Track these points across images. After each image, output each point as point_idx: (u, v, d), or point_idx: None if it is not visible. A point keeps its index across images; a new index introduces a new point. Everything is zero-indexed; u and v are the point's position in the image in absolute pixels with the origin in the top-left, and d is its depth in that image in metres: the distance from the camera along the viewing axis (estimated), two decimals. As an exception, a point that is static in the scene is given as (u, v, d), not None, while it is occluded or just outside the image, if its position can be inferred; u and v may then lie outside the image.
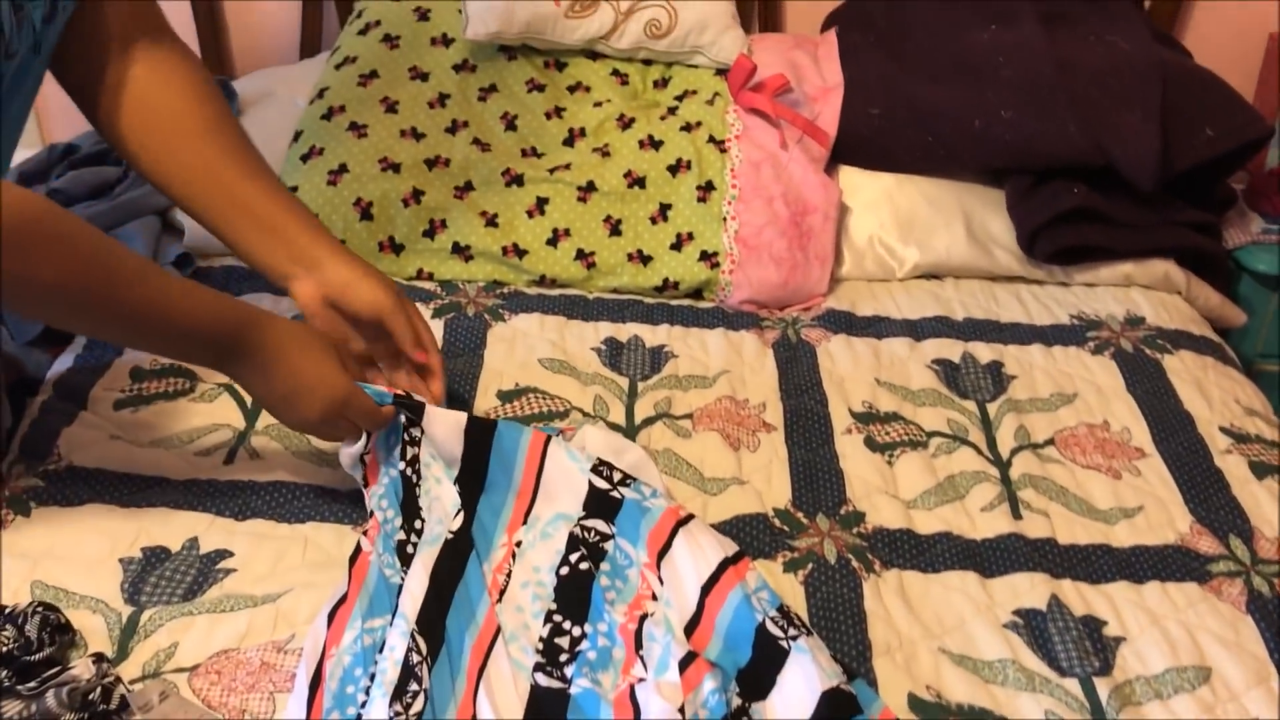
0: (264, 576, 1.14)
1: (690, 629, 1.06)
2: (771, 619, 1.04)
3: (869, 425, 1.38)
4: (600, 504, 1.15)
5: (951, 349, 1.52)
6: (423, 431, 1.16)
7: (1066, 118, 1.59)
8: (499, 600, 1.09)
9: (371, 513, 1.15)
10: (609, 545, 1.13)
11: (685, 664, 1.01)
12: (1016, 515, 1.26)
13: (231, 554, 1.17)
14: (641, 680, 1.02)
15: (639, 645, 1.05)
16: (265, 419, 1.34)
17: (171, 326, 1.02)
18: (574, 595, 1.09)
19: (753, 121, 1.68)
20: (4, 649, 1.01)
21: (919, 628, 1.13)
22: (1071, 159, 1.60)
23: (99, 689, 0.99)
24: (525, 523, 1.15)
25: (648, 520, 1.13)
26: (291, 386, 1.09)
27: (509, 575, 1.11)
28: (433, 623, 1.04)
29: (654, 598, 1.09)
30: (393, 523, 1.14)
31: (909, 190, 1.70)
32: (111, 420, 1.33)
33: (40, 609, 1.05)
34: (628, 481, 1.16)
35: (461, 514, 1.13)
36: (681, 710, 0.96)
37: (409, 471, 1.16)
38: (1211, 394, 1.45)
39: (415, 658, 1.01)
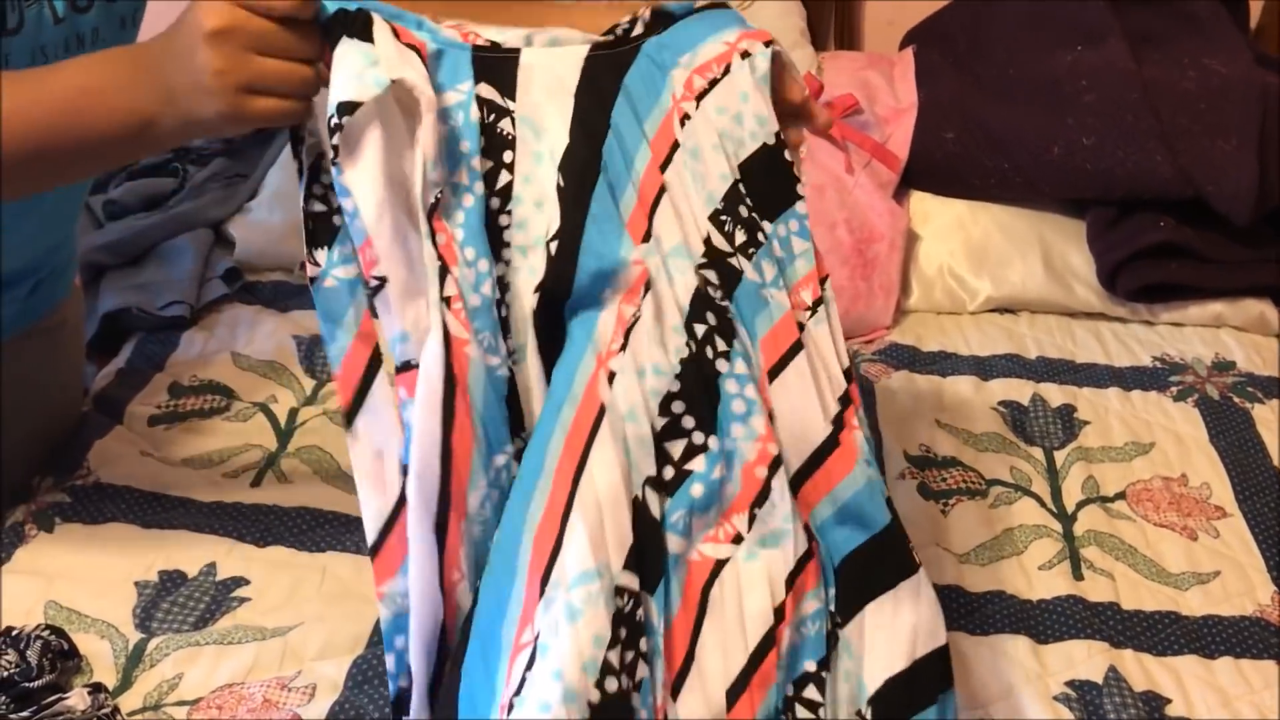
0: (277, 607, 1.11)
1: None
2: None
3: (924, 470, 1.30)
4: (719, 266, 0.84)
5: (1020, 390, 1.43)
6: (513, 120, 0.82)
7: (1153, 146, 1.49)
8: (623, 346, 0.80)
9: (443, 273, 0.79)
10: (738, 328, 0.83)
11: (799, 568, 0.80)
12: (1078, 575, 1.17)
13: (248, 581, 1.14)
14: (726, 558, 0.80)
15: (761, 498, 0.81)
16: (298, 440, 1.31)
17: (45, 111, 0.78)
18: (699, 384, 0.81)
19: (817, 143, 1.61)
20: (4, 674, 1.00)
21: (961, 696, 1.04)
22: (1158, 190, 1.50)
23: (94, 721, 0.96)
24: (646, 239, 0.82)
25: (764, 317, 0.84)
26: (179, 45, 0.75)
27: (637, 310, 0.81)
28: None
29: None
30: (484, 276, 0.81)
31: (983, 218, 1.61)
32: (145, 435, 1.31)
33: (44, 633, 1.03)
34: (753, 242, 0.84)
35: (556, 226, 0.82)
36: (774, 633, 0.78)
37: (494, 202, 0.82)
38: (1305, 448, 1.34)
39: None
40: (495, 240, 0.82)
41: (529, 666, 0.73)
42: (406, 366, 0.80)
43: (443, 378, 0.78)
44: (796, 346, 0.83)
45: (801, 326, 0.84)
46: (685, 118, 0.84)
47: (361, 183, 0.76)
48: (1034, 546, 1.20)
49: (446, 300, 0.78)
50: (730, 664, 0.78)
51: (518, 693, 0.73)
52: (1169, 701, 1.04)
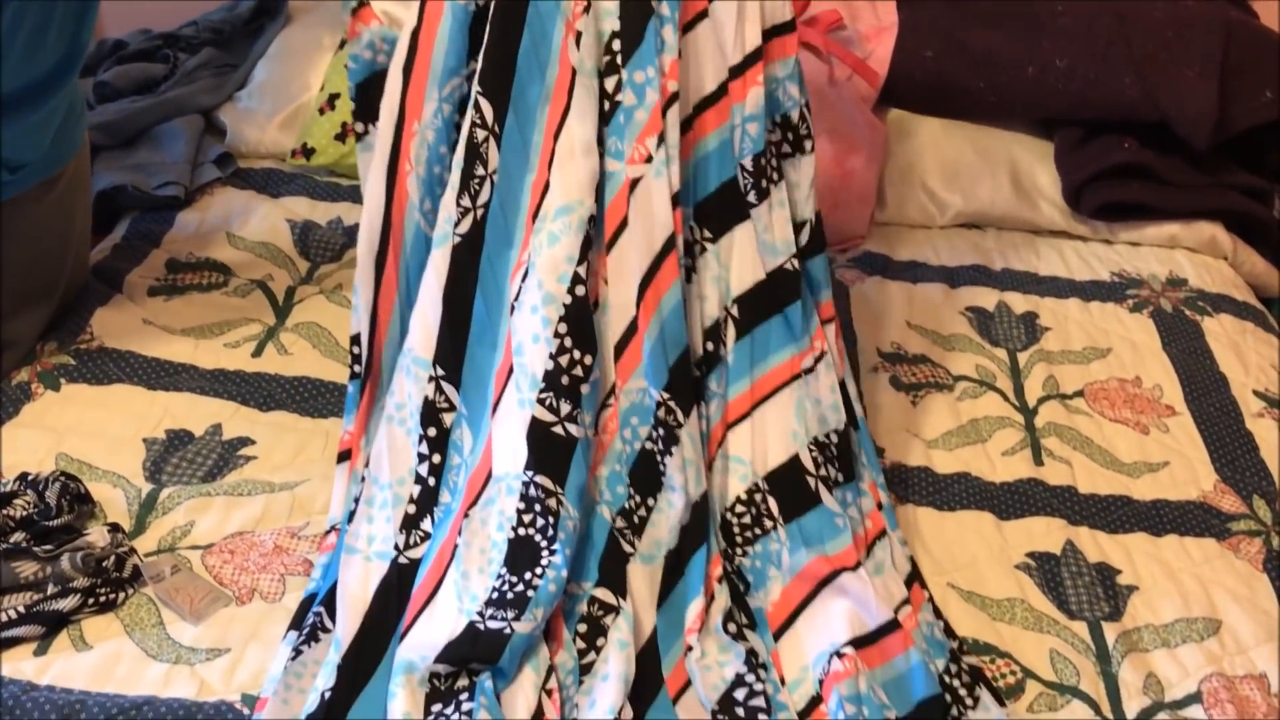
0: (283, 465, 1.16)
1: None
2: None
3: (896, 365, 1.37)
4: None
5: (987, 297, 1.51)
6: None
7: (1122, 70, 1.56)
8: (586, 9, 0.98)
9: None
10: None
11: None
12: (1038, 461, 1.25)
13: (253, 442, 1.18)
14: (640, 175, 1.00)
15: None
16: (296, 316, 1.35)
17: None
18: (633, 29, 0.99)
19: (802, 56, 1.65)
20: (24, 513, 1.04)
21: (930, 562, 1.12)
22: (1125, 112, 1.57)
23: (113, 557, 1.01)
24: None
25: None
26: None
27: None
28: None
29: None
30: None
31: (956, 137, 1.68)
32: (145, 305, 1.34)
33: (61, 477, 1.06)
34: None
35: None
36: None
37: None
38: (1249, 358, 1.42)
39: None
40: None
41: (524, 279, 0.98)
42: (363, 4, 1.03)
43: (414, 24, 0.99)
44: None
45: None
46: None
47: None
48: (998, 435, 1.28)
49: None
50: (642, 260, 0.99)
51: (517, 298, 0.98)
52: (1119, 572, 1.12)
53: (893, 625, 0.98)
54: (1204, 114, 1.53)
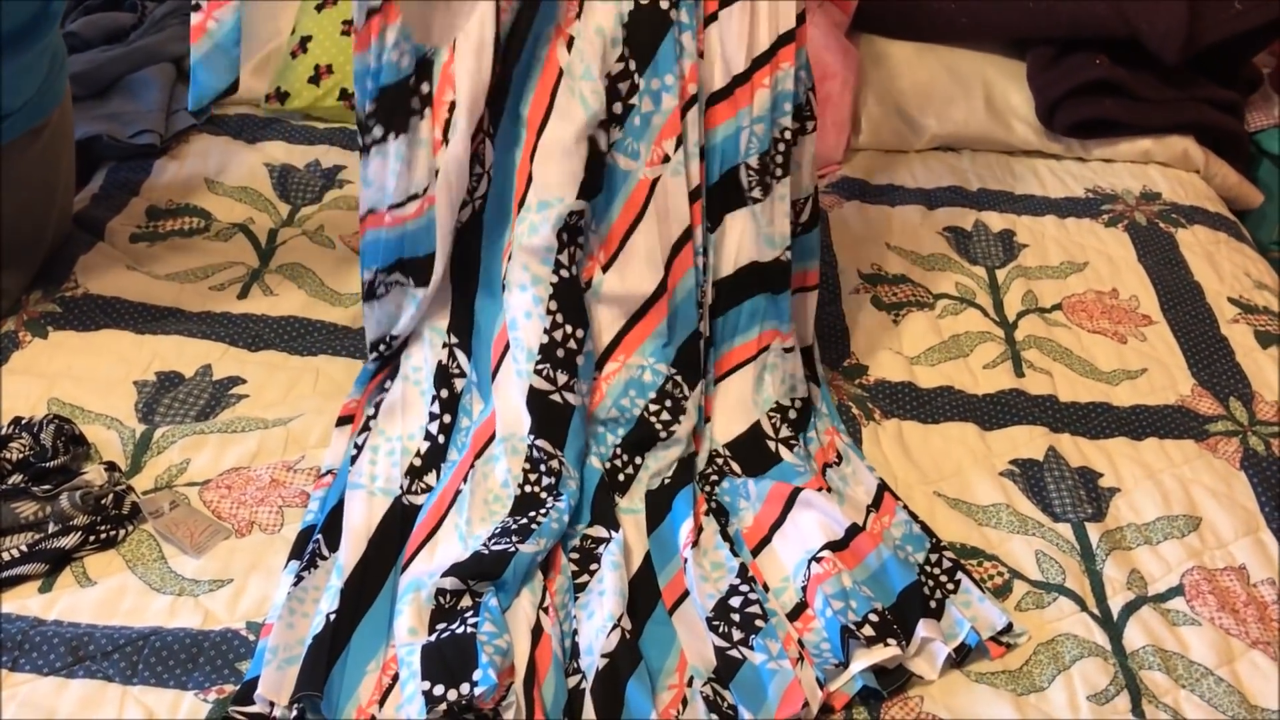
0: (275, 402, 1.17)
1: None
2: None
3: (876, 286, 1.39)
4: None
5: (964, 217, 1.52)
6: None
7: (1093, -15, 1.57)
8: (578, 14, 1.04)
9: None
10: None
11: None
12: (1019, 373, 1.27)
13: (244, 381, 1.19)
14: (658, 175, 1.07)
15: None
16: (279, 258, 1.35)
17: None
18: (647, 34, 1.05)
19: (774, -17, 1.65)
20: (20, 456, 1.04)
21: (916, 473, 1.14)
22: (1096, 29, 1.58)
23: (111, 495, 1.02)
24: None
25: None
26: None
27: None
28: None
29: None
30: None
31: (930, 60, 1.68)
32: (128, 252, 1.34)
33: (55, 420, 1.07)
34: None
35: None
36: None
37: None
38: (1222, 267, 1.45)
39: None
40: None
41: (509, 261, 1.07)
42: None
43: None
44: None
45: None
46: None
47: None
48: (979, 349, 1.30)
49: None
50: (652, 243, 1.07)
51: (507, 275, 1.06)
52: (1101, 475, 1.15)
53: (857, 528, 1.03)
54: (1174, 28, 1.54)
